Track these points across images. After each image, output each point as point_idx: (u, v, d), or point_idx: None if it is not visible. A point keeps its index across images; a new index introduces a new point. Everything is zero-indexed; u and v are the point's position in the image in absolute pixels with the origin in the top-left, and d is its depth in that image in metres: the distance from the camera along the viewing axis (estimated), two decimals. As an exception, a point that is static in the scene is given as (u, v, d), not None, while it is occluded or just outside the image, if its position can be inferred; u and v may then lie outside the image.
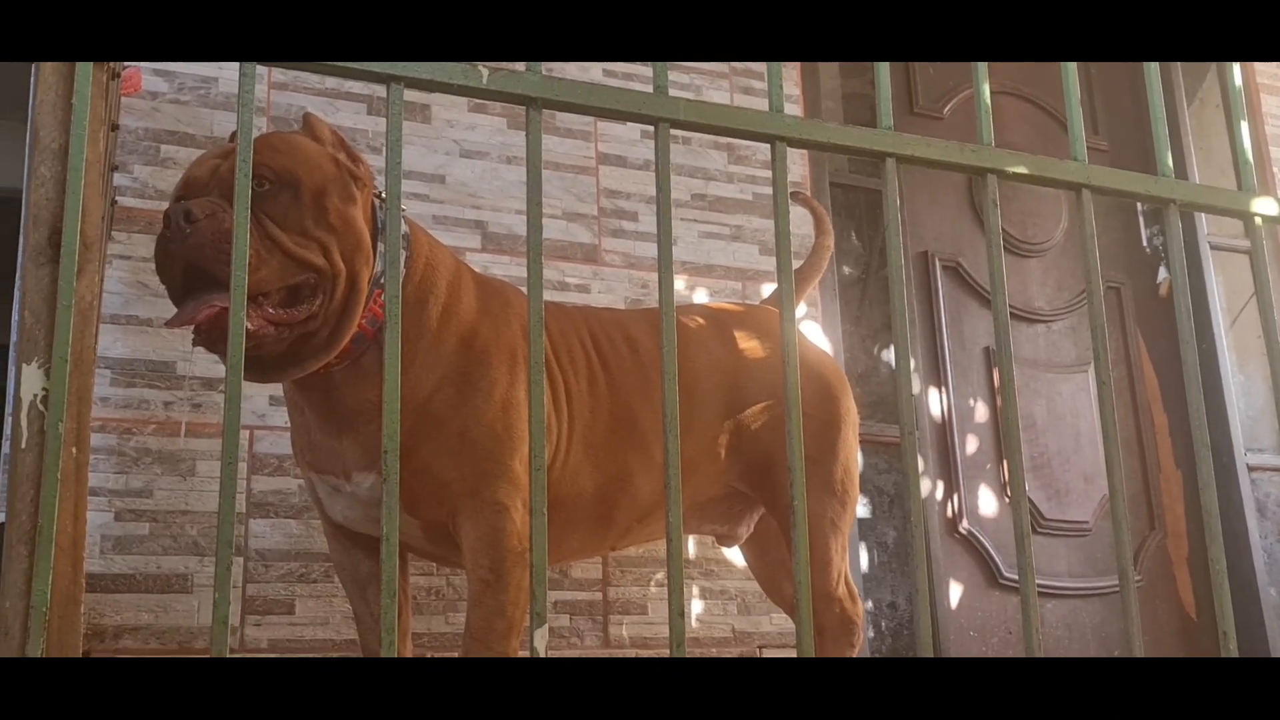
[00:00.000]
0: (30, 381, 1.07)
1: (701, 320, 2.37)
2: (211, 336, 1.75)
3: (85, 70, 1.12)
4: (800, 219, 3.29)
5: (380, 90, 2.83)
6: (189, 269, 1.74)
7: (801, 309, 3.03)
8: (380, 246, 1.88)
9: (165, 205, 2.63)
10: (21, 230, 1.14)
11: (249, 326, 1.74)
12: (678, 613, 1.23)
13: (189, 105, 2.72)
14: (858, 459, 2.42)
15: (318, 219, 1.81)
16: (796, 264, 3.05)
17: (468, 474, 1.93)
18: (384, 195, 1.94)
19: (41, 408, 1.07)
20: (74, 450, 1.10)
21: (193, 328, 1.74)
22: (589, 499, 2.14)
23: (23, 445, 1.07)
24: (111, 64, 1.37)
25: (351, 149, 1.94)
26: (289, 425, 2.61)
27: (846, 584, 2.35)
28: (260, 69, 2.74)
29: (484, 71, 1.28)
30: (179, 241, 1.73)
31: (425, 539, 2.04)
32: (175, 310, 1.79)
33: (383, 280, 1.87)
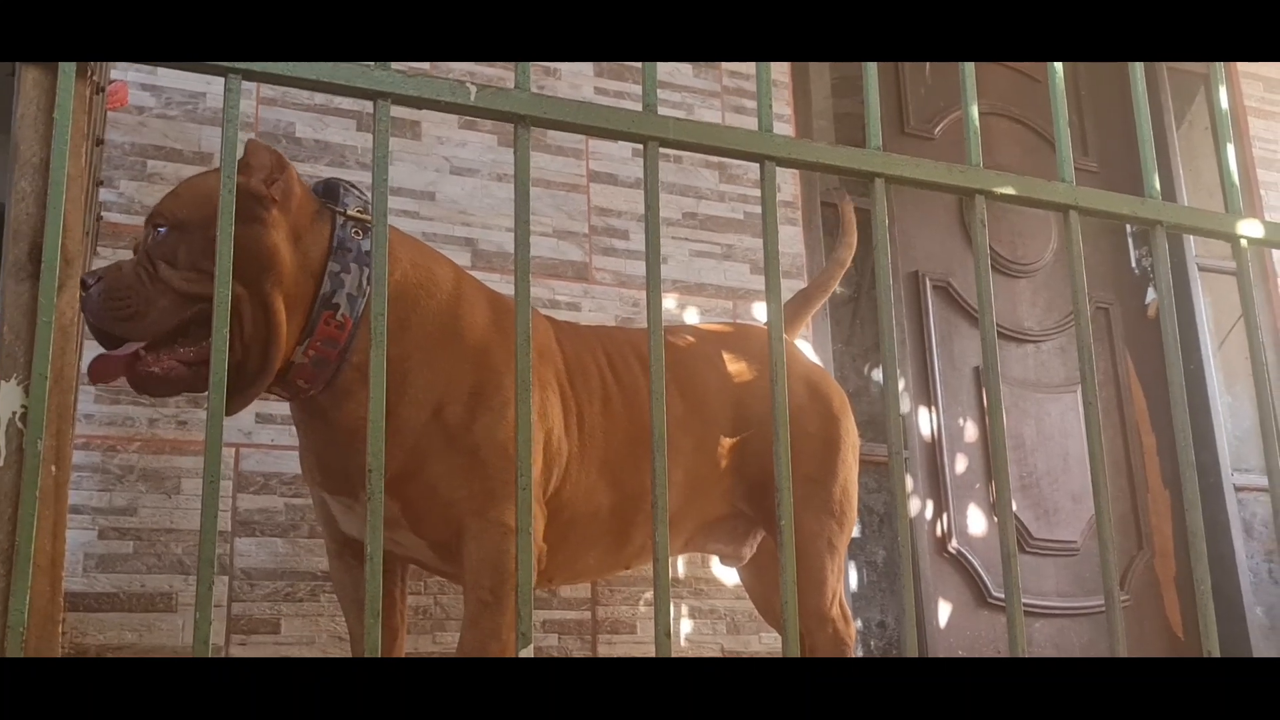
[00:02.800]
0: (9, 399, 1.06)
1: (708, 341, 2.37)
2: (142, 386, 1.82)
3: (67, 83, 1.11)
4: (789, 238, 3.29)
5: (370, 106, 2.83)
6: (96, 331, 1.83)
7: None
8: (332, 266, 1.87)
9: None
10: (3, 245, 1.13)
11: (156, 371, 1.81)
12: (664, 632, 1.23)
13: (176, 120, 2.71)
14: (856, 480, 2.42)
15: (210, 250, 1.77)
16: (788, 283, 3.05)
17: (476, 493, 1.91)
18: (349, 212, 1.93)
19: (20, 425, 1.06)
20: (53, 468, 1.09)
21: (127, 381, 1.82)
22: (605, 517, 2.14)
23: (0, 463, 1.06)
24: (95, 78, 1.36)
25: (279, 166, 1.87)
26: (275, 443, 2.61)
27: (840, 605, 2.35)
28: (248, 84, 2.73)
29: (472, 89, 1.27)
30: (84, 308, 1.81)
31: (436, 557, 2.03)
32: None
33: (334, 301, 1.86)
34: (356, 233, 1.90)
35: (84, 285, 1.79)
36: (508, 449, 1.92)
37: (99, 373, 1.83)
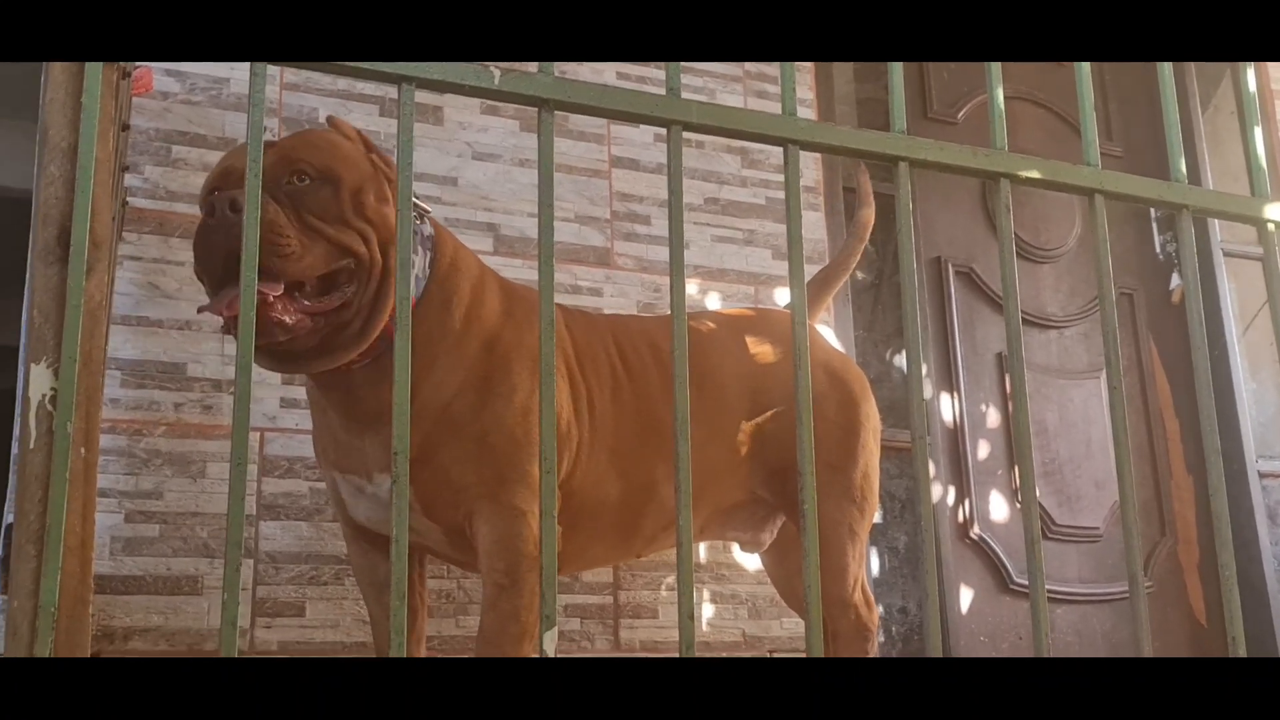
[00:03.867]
0: (39, 381, 1.07)
1: (725, 326, 2.37)
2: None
3: (95, 69, 1.12)
4: (811, 224, 3.28)
5: (393, 92, 2.83)
6: (231, 257, 1.72)
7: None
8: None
9: (176, 206, 2.64)
10: (31, 229, 1.14)
11: (287, 320, 1.77)
12: (687, 616, 1.23)
13: (201, 106, 2.73)
14: (877, 466, 2.41)
15: (357, 211, 1.84)
16: (809, 268, 3.04)
17: (487, 478, 1.93)
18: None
19: (50, 408, 1.07)
20: (83, 450, 1.10)
21: (223, 317, 1.77)
22: (614, 507, 2.14)
23: (31, 445, 1.06)
24: (123, 63, 1.37)
25: (380, 151, 1.97)
26: (299, 428, 2.62)
27: (863, 591, 2.34)
28: (272, 69, 2.74)
29: (495, 73, 1.27)
30: (223, 230, 1.73)
31: (447, 543, 2.04)
32: (207, 300, 1.81)
33: None
34: (417, 218, 1.95)
35: (234, 207, 1.72)
36: (515, 433, 1.94)
37: (217, 308, 1.76)
